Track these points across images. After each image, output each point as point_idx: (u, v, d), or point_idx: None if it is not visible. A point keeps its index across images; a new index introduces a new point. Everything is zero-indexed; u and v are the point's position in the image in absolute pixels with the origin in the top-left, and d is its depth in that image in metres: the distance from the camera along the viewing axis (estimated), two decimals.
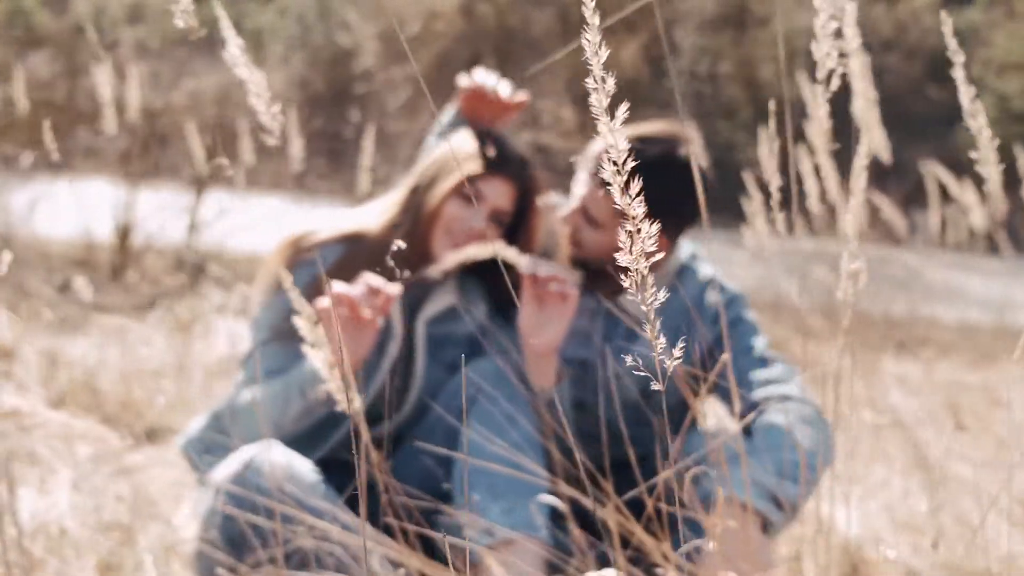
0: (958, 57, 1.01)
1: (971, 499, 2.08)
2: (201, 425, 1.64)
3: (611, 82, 0.68)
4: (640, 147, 1.58)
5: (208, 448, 1.59)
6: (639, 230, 0.68)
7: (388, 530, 1.37)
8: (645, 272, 0.68)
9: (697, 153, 1.63)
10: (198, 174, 6.47)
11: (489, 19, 19.47)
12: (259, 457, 1.38)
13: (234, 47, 1.09)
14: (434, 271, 1.54)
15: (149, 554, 1.56)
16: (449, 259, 1.42)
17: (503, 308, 1.71)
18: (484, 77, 1.80)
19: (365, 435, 1.23)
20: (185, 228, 6.26)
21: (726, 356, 1.40)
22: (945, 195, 4.63)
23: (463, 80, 1.83)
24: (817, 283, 4.74)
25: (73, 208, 4.66)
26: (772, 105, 1.42)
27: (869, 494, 2.03)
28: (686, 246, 1.77)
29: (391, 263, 1.63)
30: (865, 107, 1.49)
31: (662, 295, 1.71)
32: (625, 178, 1.59)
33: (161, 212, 6.27)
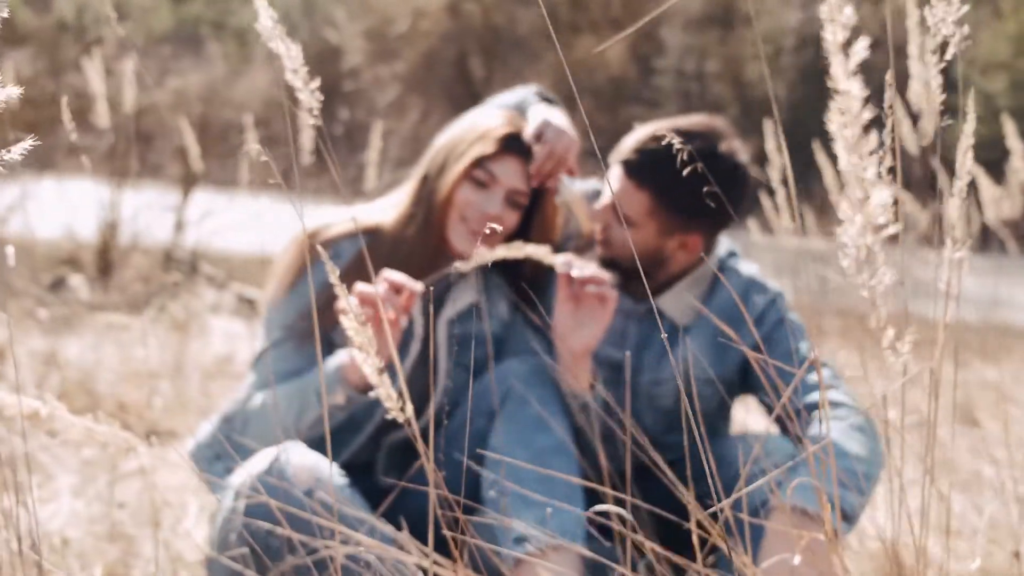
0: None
1: (1001, 500, 2.03)
2: (210, 429, 1.56)
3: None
4: (677, 142, 1.51)
5: (219, 454, 1.51)
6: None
7: (417, 536, 1.29)
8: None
9: (738, 147, 1.56)
10: (185, 172, 6.37)
11: (475, 18, 19.40)
12: (283, 458, 1.30)
13: (266, 18, 1.01)
14: (459, 268, 1.45)
15: (156, 564, 1.48)
16: (477, 257, 1.32)
17: (528, 305, 1.64)
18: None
19: (417, 443, 1.14)
20: (172, 227, 6.17)
21: (770, 360, 1.34)
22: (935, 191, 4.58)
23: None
24: (812, 281, 4.70)
25: (59, 207, 4.56)
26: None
27: (901, 497, 1.96)
28: (723, 243, 1.70)
29: (409, 257, 1.55)
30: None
31: (700, 297, 1.65)
32: (661, 175, 1.52)
33: (147, 211, 6.18)
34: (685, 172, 1.46)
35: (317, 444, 1.46)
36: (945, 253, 0.84)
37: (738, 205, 1.55)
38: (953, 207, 0.82)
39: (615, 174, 1.58)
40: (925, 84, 1.58)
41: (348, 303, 0.94)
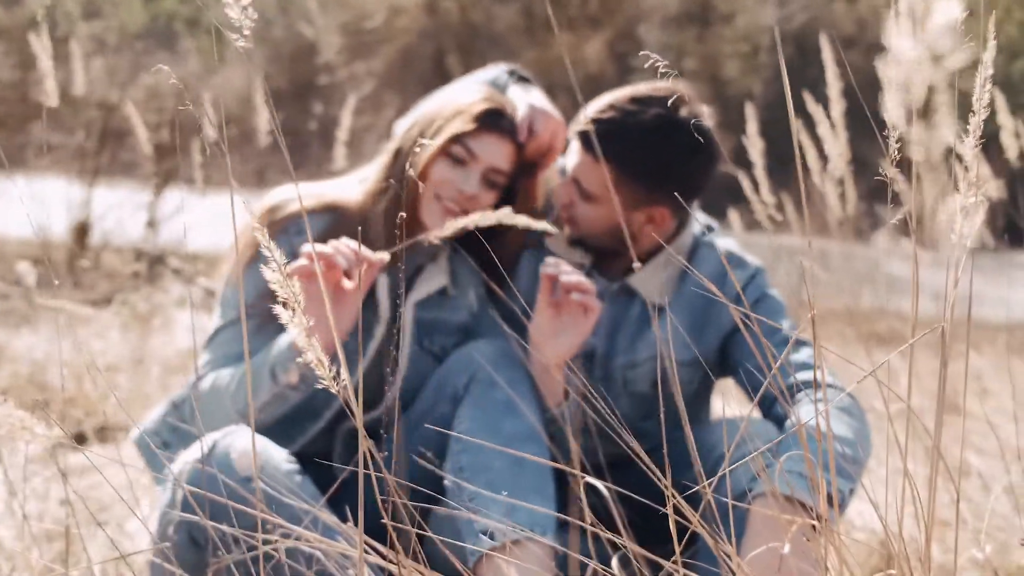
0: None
1: (986, 490, 1.97)
2: (158, 415, 1.46)
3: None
4: (635, 109, 1.42)
5: (166, 441, 1.41)
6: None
7: (374, 531, 1.20)
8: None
9: (702, 112, 1.46)
10: (156, 170, 6.26)
11: (452, 15, 19.31)
12: (224, 443, 1.20)
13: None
14: (427, 239, 1.35)
15: (96, 565, 1.37)
16: (447, 227, 1.23)
17: (499, 293, 1.55)
18: None
19: (357, 423, 1.05)
20: (143, 225, 6.06)
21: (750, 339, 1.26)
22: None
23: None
24: (785, 276, 4.66)
25: (29, 205, 4.44)
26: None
27: (888, 486, 1.89)
28: (699, 218, 1.62)
29: (377, 234, 1.46)
30: None
31: (673, 275, 1.57)
32: (620, 145, 1.43)
33: (118, 209, 6.06)
34: (645, 141, 1.37)
35: (271, 430, 1.37)
36: (958, 201, 0.76)
37: (705, 172, 1.46)
38: (968, 147, 0.74)
39: (573, 148, 1.48)
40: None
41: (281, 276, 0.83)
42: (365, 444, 0.85)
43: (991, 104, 0.77)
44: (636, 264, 1.18)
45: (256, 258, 1.45)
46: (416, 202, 1.46)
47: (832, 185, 3.00)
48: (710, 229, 1.61)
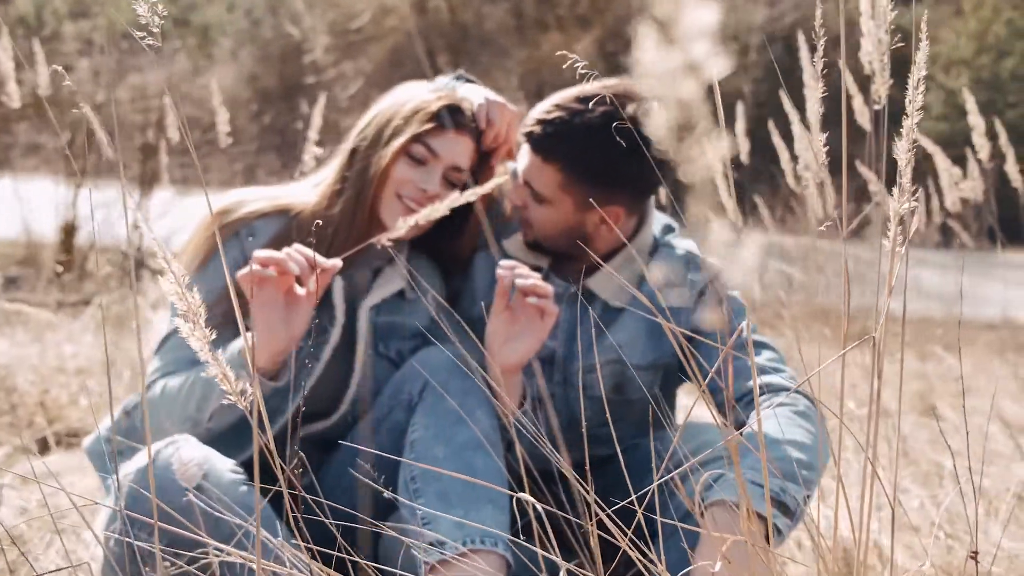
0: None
1: (960, 492, 1.95)
2: (110, 423, 1.43)
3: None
4: (581, 108, 1.40)
5: (120, 449, 1.38)
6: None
7: (326, 541, 1.18)
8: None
9: (652, 109, 1.43)
10: (142, 171, 6.23)
11: (442, 14, 19.28)
12: (167, 453, 1.17)
13: None
14: (380, 241, 1.32)
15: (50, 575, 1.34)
16: (399, 227, 1.21)
17: (458, 293, 1.53)
18: None
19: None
20: (128, 226, 6.02)
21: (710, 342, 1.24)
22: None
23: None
24: (776, 276, 4.65)
25: (16, 207, 4.43)
26: None
27: (857, 489, 1.88)
28: (659, 219, 1.59)
29: (332, 237, 1.43)
30: None
31: (633, 277, 1.54)
32: (567, 145, 1.41)
33: (105, 210, 6.03)
34: (592, 140, 1.36)
35: (222, 438, 1.34)
36: (892, 207, 0.74)
37: (653, 171, 1.44)
38: (902, 151, 0.72)
39: (523, 150, 1.46)
40: (877, 42, 1.47)
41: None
42: (336, 452, 0.82)
43: (923, 108, 0.75)
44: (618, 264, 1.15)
45: (207, 260, 1.43)
46: (376, 203, 1.44)
47: (814, 185, 2.98)
48: (670, 229, 1.59)
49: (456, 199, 1.22)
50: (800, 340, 3.04)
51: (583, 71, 1.01)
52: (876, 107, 1.73)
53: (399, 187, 1.44)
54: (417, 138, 1.43)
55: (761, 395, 1.34)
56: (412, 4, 18.73)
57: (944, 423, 2.60)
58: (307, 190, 1.52)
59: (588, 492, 0.92)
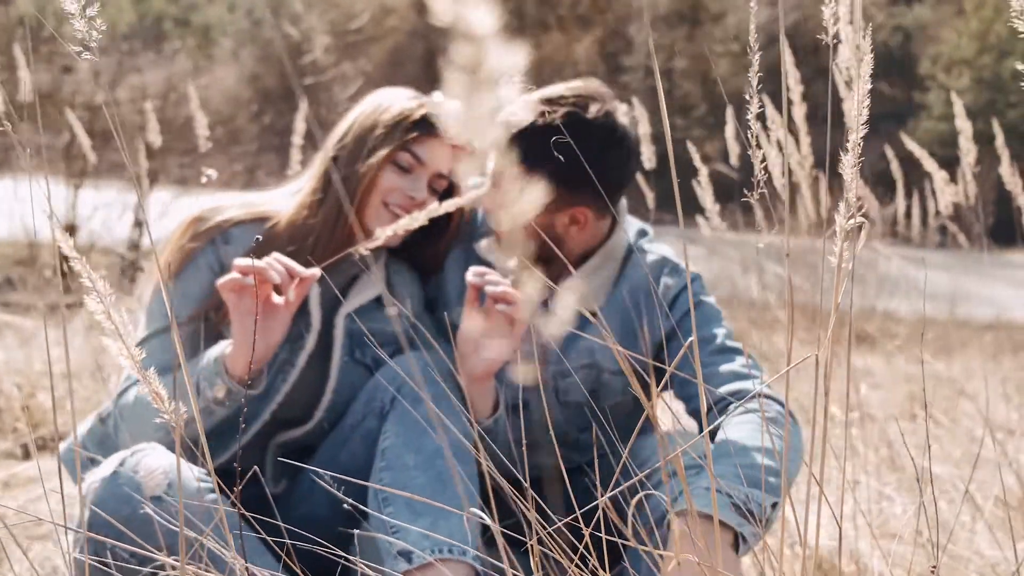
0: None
1: (946, 499, 1.94)
2: (85, 430, 1.43)
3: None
4: (545, 110, 1.40)
5: (92, 457, 1.37)
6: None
7: (300, 550, 1.17)
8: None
9: (614, 110, 1.42)
10: (141, 172, 6.23)
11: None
12: (132, 461, 1.17)
13: None
14: (359, 250, 1.32)
15: None
16: (379, 236, 1.22)
17: (437, 302, 1.52)
18: None
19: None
20: (129, 227, 6.02)
21: (683, 347, 1.22)
22: (898, 190, 4.60)
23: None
24: (774, 277, 4.64)
25: (15, 207, 4.43)
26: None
27: (840, 496, 1.87)
28: (633, 224, 1.59)
29: (311, 246, 1.43)
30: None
31: (607, 281, 1.54)
32: (533, 149, 1.40)
33: (105, 210, 6.02)
34: (555, 142, 1.36)
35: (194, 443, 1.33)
36: (837, 222, 0.72)
37: (620, 169, 1.43)
38: (848, 166, 0.71)
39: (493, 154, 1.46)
40: (855, 48, 1.47)
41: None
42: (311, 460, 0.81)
43: (868, 121, 0.74)
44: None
45: (184, 266, 1.42)
46: (361, 211, 1.44)
47: (806, 186, 2.97)
48: (644, 234, 1.58)
49: (435, 209, 1.21)
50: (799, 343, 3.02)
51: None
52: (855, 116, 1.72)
53: (386, 195, 1.44)
54: (403, 146, 1.43)
55: (732, 402, 1.33)
56: (412, 4, 18.73)
57: (937, 428, 2.59)
58: (284, 198, 1.51)
59: (529, 510, 0.91)
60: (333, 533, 1.22)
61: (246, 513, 1.13)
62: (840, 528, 1.17)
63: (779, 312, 3.99)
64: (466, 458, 1.24)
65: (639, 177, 1.94)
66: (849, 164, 0.71)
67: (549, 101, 1.39)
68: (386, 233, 1.23)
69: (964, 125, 1.85)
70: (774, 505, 1.21)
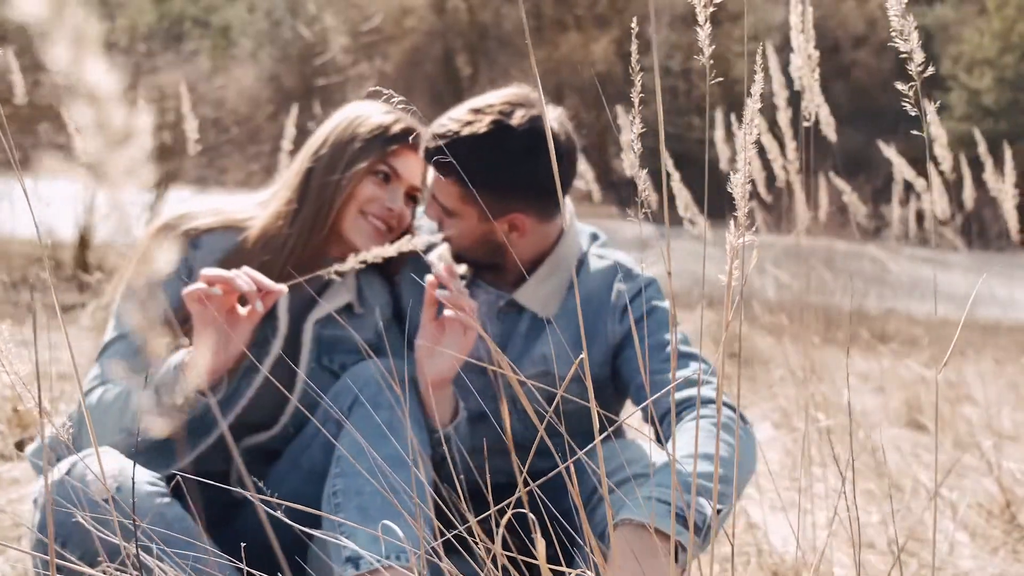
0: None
1: (927, 507, 1.92)
2: (53, 430, 1.44)
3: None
4: (471, 119, 1.41)
5: (60, 457, 1.39)
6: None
7: (256, 554, 1.17)
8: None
9: (537, 117, 1.40)
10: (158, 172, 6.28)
11: (461, 15, 19.31)
12: (83, 464, 1.18)
13: None
14: (329, 274, 1.36)
15: None
16: (348, 262, 1.28)
17: (406, 310, 1.52)
18: None
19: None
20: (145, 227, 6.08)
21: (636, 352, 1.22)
22: (913, 190, 4.56)
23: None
24: (772, 279, 4.61)
25: (35, 206, 4.46)
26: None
27: (815, 505, 1.85)
28: (584, 230, 1.59)
29: (285, 256, 1.45)
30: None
31: (560, 287, 1.53)
32: (463, 159, 1.42)
33: (123, 210, 6.06)
34: (480, 150, 1.37)
35: (157, 448, 1.34)
36: (729, 240, 0.72)
37: (550, 173, 1.43)
38: (737, 185, 0.71)
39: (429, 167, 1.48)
40: (807, 57, 1.46)
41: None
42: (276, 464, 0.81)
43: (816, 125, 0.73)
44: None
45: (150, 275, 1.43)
46: (340, 220, 1.46)
47: (799, 187, 2.94)
48: (596, 238, 1.58)
49: (403, 243, 1.30)
50: (812, 346, 3.01)
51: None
52: (806, 124, 1.71)
53: (364, 205, 1.47)
54: (382, 158, 1.46)
55: (686, 408, 1.33)
56: (431, 5, 18.77)
57: (929, 436, 2.56)
58: (252, 207, 1.52)
59: (473, 518, 0.91)
60: (291, 536, 1.23)
61: (194, 515, 1.13)
62: (797, 538, 1.16)
63: (780, 315, 3.97)
64: (422, 464, 1.24)
65: (677, 181, 1.92)
66: (738, 184, 0.70)
67: (476, 111, 1.41)
68: (356, 260, 1.30)
69: (939, 132, 1.84)
70: (718, 512, 1.20)
